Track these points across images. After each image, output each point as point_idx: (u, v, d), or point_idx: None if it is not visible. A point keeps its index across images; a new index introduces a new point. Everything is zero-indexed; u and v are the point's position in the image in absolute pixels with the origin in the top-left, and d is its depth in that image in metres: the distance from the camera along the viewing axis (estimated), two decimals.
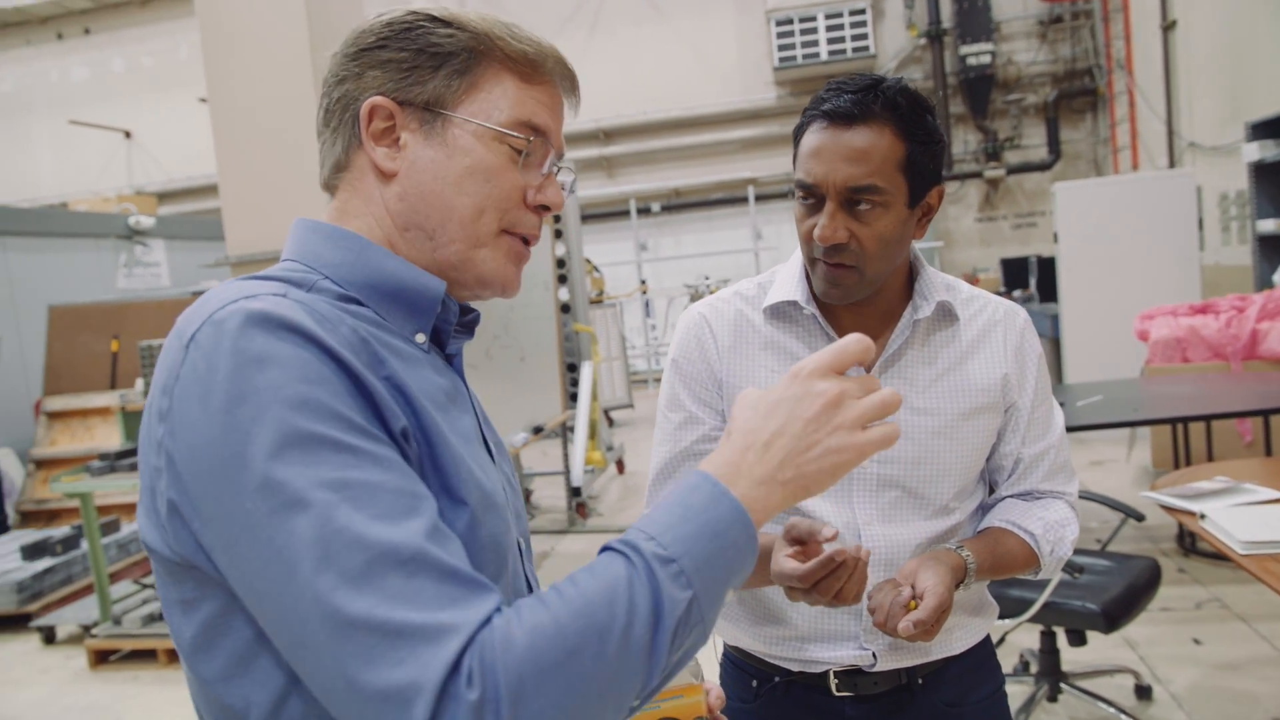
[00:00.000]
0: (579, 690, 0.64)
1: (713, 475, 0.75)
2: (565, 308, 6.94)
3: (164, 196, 12.50)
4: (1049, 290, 7.82)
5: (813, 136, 1.24)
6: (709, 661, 1.53)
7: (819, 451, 0.76)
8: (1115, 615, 2.81)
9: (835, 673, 1.34)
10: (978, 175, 11.14)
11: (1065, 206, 6.91)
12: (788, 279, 1.37)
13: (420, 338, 0.88)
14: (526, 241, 0.92)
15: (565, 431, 6.28)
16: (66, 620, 4.94)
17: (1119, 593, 2.88)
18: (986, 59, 10.71)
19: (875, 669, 1.34)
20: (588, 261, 10.18)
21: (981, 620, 1.42)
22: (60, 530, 5.93)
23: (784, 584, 1.13)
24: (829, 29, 10.59)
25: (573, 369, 6.93)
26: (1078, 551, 3.26)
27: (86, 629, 4.81)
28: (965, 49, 10.72)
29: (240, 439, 0.67)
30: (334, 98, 0.88)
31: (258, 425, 0.67)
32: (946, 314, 1.37)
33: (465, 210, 0.87)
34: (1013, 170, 11.06)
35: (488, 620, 0.65)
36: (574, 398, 6.55)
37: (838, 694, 1.35)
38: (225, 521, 0.68)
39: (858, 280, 1.27)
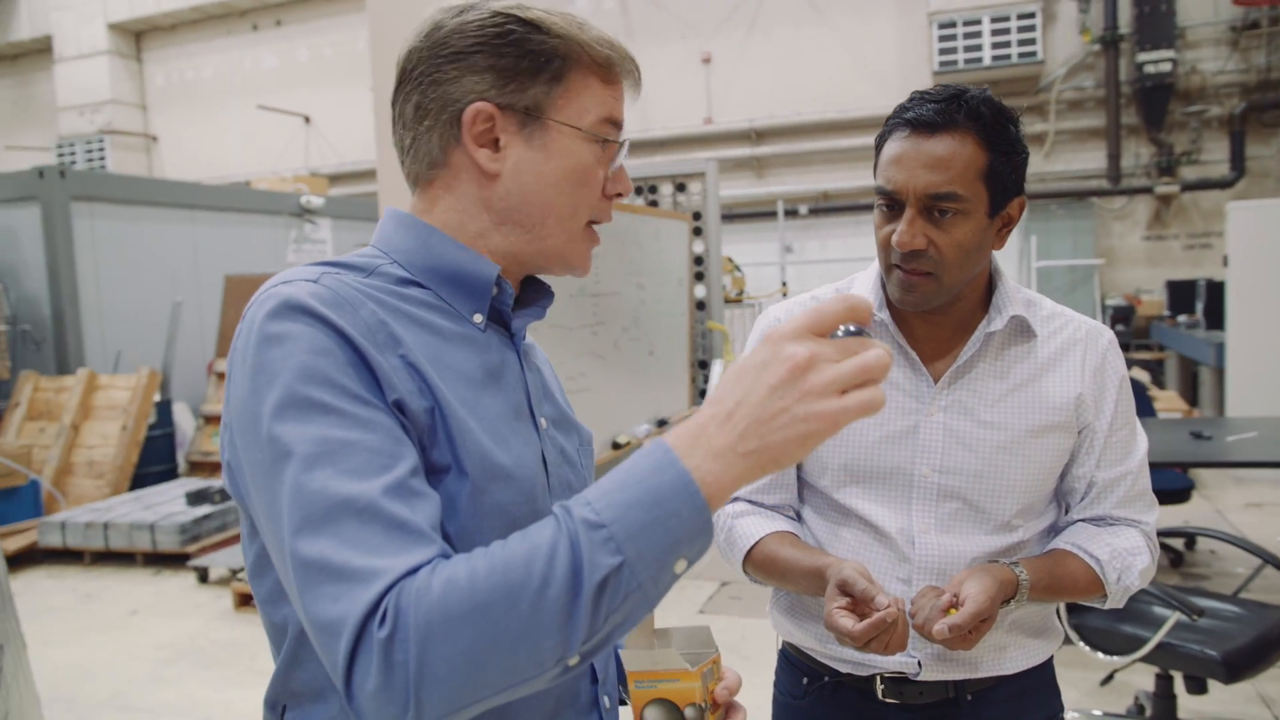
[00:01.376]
0: (487, 641, 0.69)
1: (667, 444, 0.73)
2: (700, 305, 7.01)
3: (335, 178, 13.30)
4: (1216, 317, 7.31)
5: (894, 144, 1.26)
6: (767, 654, 1.56)
7: (785, 420, 0.70)
8: (1238, 665, 2.64)
9: (882, 678, 1.35)
10: (1148, 191, 10.48)
11: (1239, 227, 6.45)
12: (864, 286, 1.39)
13: (478, 318, 0.95)
14: (600, 221, 1.00)
15: None
16: (218, 563, 5.39)
17: (1246, 642, 2.71)
18: (1167, 67, 10.05)
19: (921, 678, 1.34)
20: (729, 260, 10.21)
21: (1041, 643, 1.40)
22: (220, 481, 6.46)
23: (834, 633, 1.17)
24: (994, 32, 10.20)
25: (704, 365, 7.00)
26: (1205, 594, 3.08)
27: (234, 572, 5.23)
28: (1143, 56, 10.10)
29: (257, 401, 0.79)
30: (430, 97, 0.93)
31: (269, 390, 0.78)
32: (1022, 329, 1.35)
33: (564, 209, 0.95)
34: (1188, 187, 10.35)
35: (414, 570, 0.71)
36: (703, 394, 6.60)
37: (883, 699, 1.36)
38: (249, 470, 0.81)
39: (935, 288, 1.28)
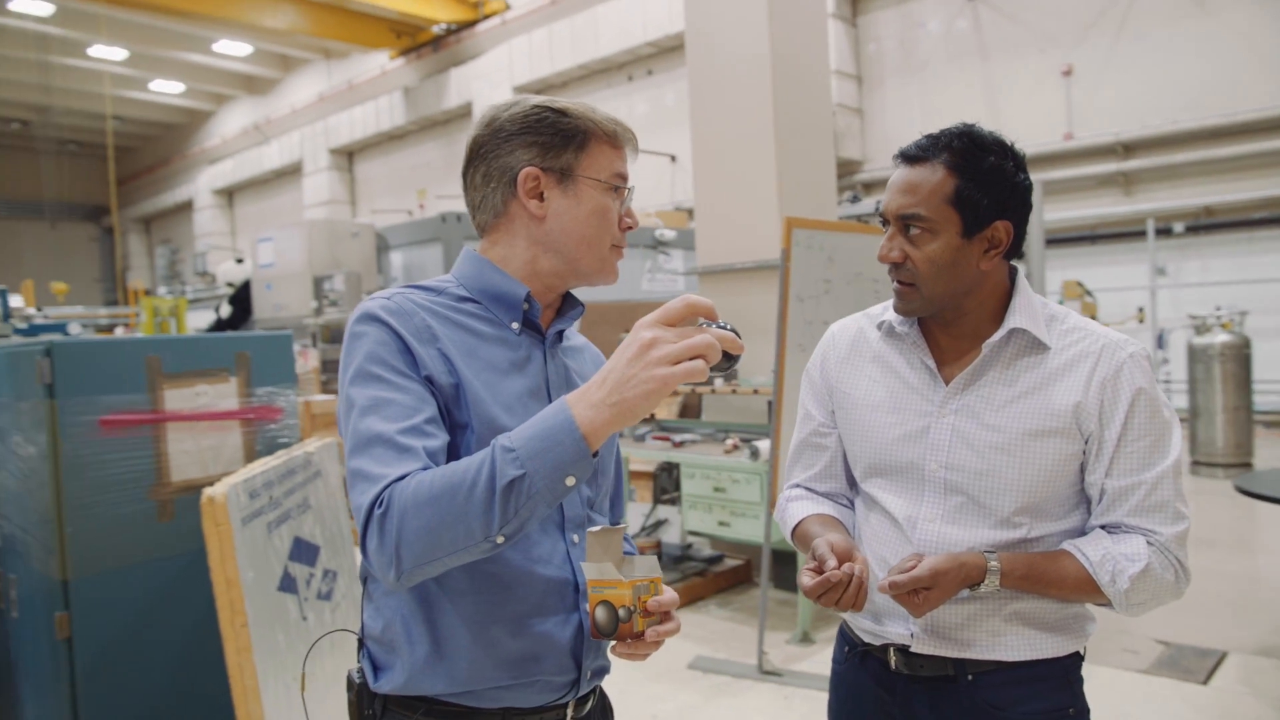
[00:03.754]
0: (438, 520, 1.05)
1: (566, 399, 1.07)
2: None
3: (694, 212, 14.31)
4: None
5: (892, 174, 1.47)
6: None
7: (635, 382, 1.03)
8: None
9: (895, 649, 1.50)
10: None
11: None
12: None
13: (515, 325, 1.32)
14: (622, 247, 1.36)
15: None
16: None
17: None
18: None
19: (918, 650, 1.47)
20: (1078, 285, 9.55)
21: (1052, 638, 1.45)
22: None
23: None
24: None
25: None
26: None
27: None
28: None
29: (343, 372, 1.23)
30: (494, 167, 1.32)
31: (349, 366, 1.22)
32: (1034, 342, 1.44)
33: (592, 238, 1.32)
34: None
35: (403, 476, 1.10)
36: None
37: (895, 669, 1.50)
38: (339, 415, 1.23)
39: (918, 297, 1.45)
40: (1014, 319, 1.45)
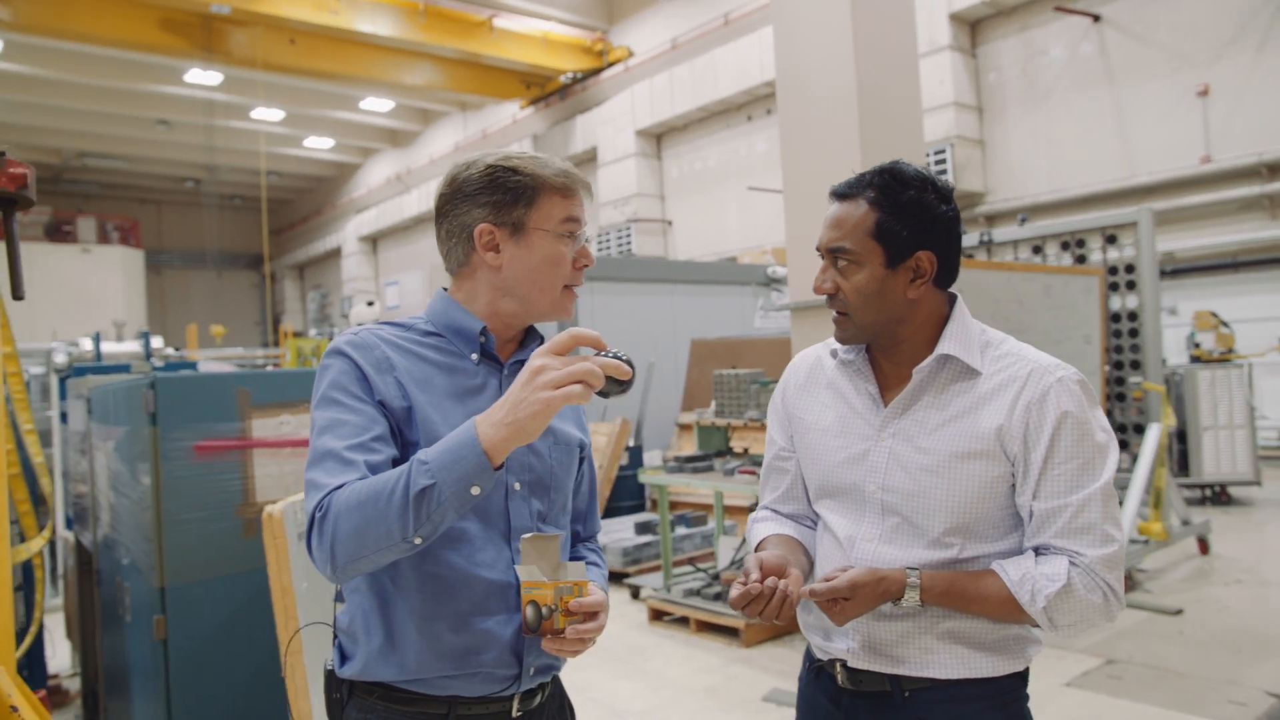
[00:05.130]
0: (364, 521, 1.23)
1: (475, 419, 1.23)
2: (1126, 365, 6.47)
3: (787, 250, 14.27)
4: None
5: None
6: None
7: (525, 404, 1.20)
8: None
9: (841, 664, 1.56)
10: None
11: None
12: None
13: (475, 356, 1.49)
14: (576, 285, 1.50)
15: None
16: (648, 584, 6.34)
17: None
18: None
19: (856, 665, 1.52)
20: (1212, 315, 9.03)
21: (987, 658, 1.47)
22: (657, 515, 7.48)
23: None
24: None
25: (1139, 430, 6.42)
26: None
27: (655, 591, 6.13)
28: None
29: (313, 398, 1.42)
30: (455, 224, 1.50)
31: (317, 392, 1.41)
32: (967, 368, 1.50)
33: (544, 283, 1.48)
34: None
35: (341, 485, 1.28)
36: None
37: (841, 685, 1.56)
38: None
39: (852, 326, 1.54)
40: (944, 345, 1.51)
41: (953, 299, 1.58)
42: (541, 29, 17.15)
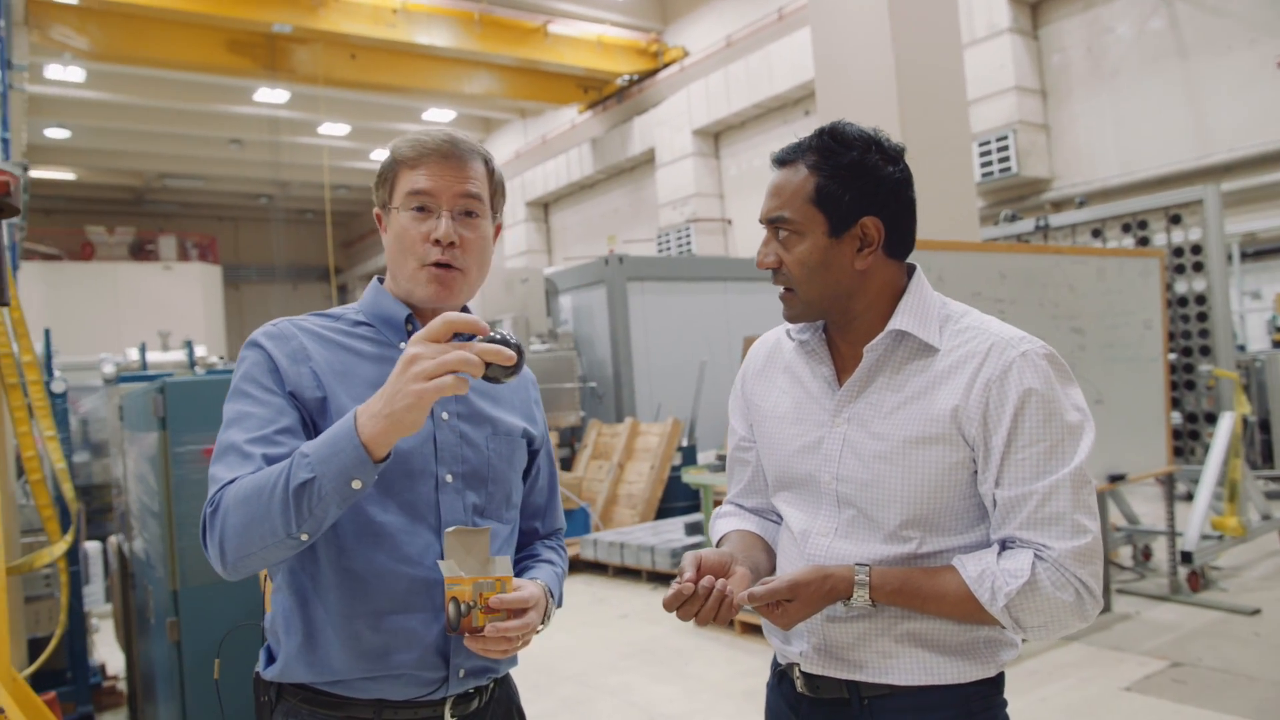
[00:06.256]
0: (249, 517, 1.19)
1: (356, 409, 1.18)
2: (1193, 351, 6.14)
3: None
4: None
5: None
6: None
7: (399, 396, 1.13)
8: None
9: (799, 669, 1.45)
10: None
11: None
12: None
13: (402, 345, 1.43)
14: (444, 265, 1.40)
15: (1170, 486, 5.60)
16: None
17: None
18: None
19: (811, 670, 1.41)
20: None
21: (952, 662, 1.35)
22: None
23: None
24: None
25: (1210, 419, 6.09)
26: None
27: None
28: None
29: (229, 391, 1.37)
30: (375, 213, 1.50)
31: (231, 387, 1.36)
32: (921, 345, 1.37)
33: (398, 261, 1.44)
34: None
35: (234, 479, 1.23)
36: (1178, 451, 5.73)
37: (799, 691, 1.45)
38: None
39: (796, 302, 1.42)
40: (897, 320, 1.39)
41: (910, 269, 1.46)
42: (596, 33, 17.17)
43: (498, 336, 1.17)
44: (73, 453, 4.51)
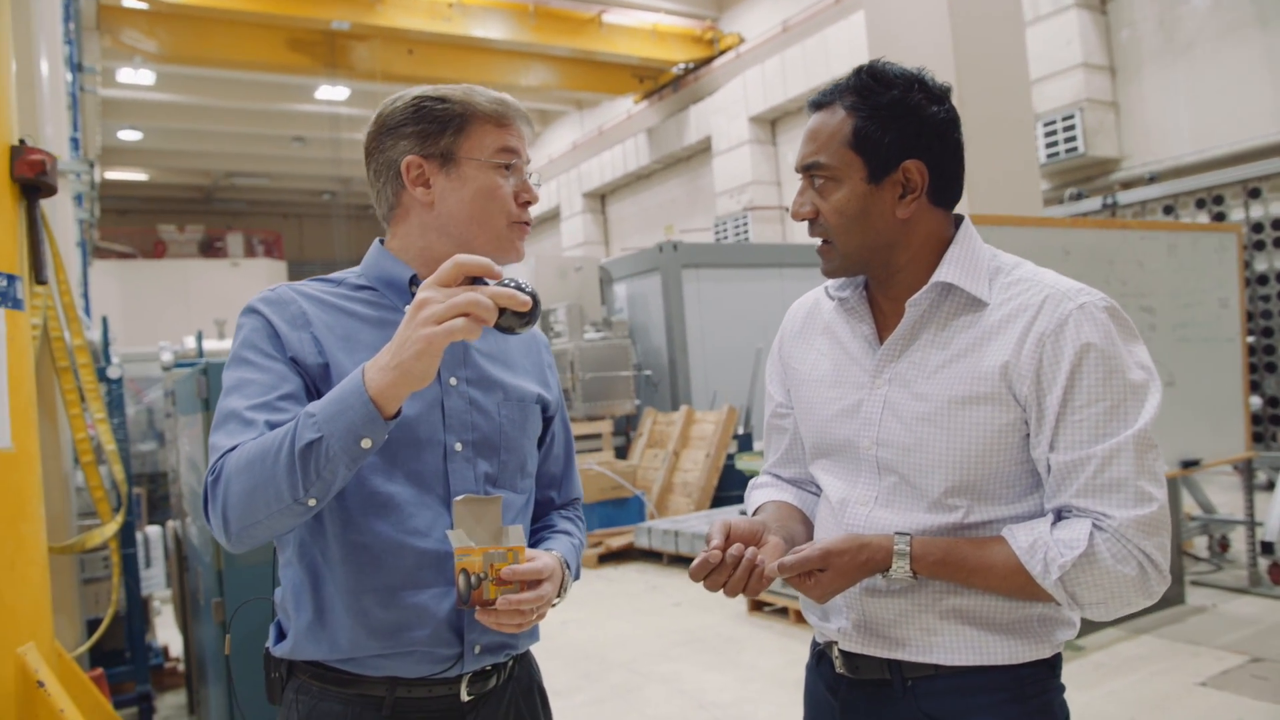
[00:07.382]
0: (253, 482, 1.14)
1: (364, 365, 1.12)
2: (1268, 331, 5.84)
3: None
4: None
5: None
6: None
7: (409, 344, 1.07)
8: None
9: (838, 648, 1.36)
10: None
11: None
12: None
13: (407, 309, 1.37)
14: (526, 223, 1.38)
15: (1249, 473, 5.34)
16: None
17: None
18: None
19: (850, 649, 1.32)
20: None
21: (997, 640, 1.24)
22: None
23: None
24: None
25: (1275, 404, 5.80)
26: None
27: None
28: None
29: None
30: (381, 161, 1.39)
31: (230, 355, 1.32)
32: (970, 299, 1.28)
33: (483, 217, 1.36)
34: None
35: (235, 446, 1.18)
36: (1259, 436, 5.46)
37: (839, 671, 1.36)
38: None
39: (834, 254, 1.33)
40: (943, 272, 1.29)
41: (958, 220, 1.36)
42: (650, 21, 17.08)
43: (511, 283, 1.10)
44: (128, 439, 4.58)
